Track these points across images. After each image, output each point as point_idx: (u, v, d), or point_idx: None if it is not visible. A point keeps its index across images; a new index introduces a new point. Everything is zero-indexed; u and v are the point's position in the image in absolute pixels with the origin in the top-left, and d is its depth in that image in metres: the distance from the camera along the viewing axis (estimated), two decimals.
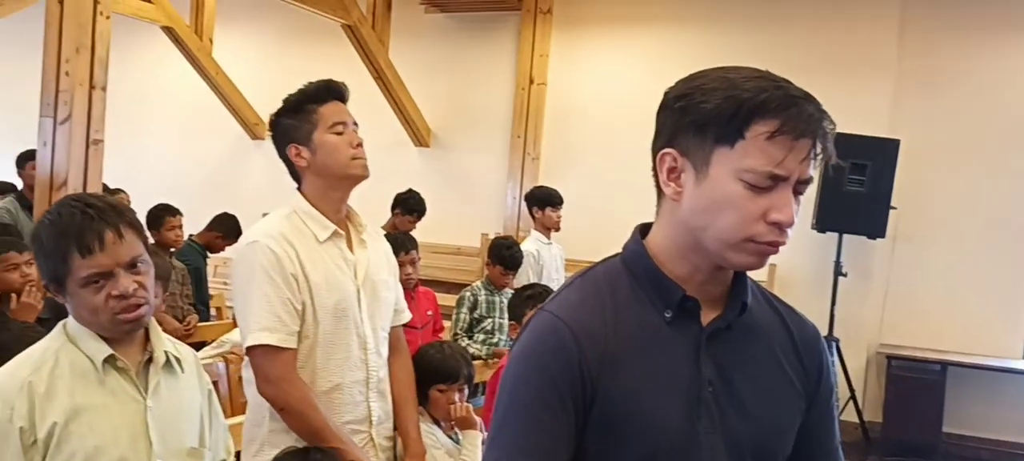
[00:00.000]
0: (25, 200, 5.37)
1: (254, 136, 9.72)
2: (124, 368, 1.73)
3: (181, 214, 5.52)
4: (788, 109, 1.17)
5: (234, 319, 5.24)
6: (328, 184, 2.28)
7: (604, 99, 8.38)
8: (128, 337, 1.75)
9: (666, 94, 1.30)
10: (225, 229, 5.95)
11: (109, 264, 1.67)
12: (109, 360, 1.71)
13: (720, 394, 1.25)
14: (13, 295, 3.60)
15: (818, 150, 1.19)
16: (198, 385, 1.90)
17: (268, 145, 8.45)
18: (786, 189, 1.18)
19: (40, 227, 1.71)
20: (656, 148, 1.29)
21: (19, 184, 5.96)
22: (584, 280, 1.32)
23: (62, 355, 1.70)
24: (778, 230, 1.19)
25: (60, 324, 1.76)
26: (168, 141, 9.87)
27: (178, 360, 1.83)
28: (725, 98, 1.18)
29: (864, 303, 7.20)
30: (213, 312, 6.21)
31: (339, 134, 2.25)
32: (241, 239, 2.34)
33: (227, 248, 6.19)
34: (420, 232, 6.02)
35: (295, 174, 2.33)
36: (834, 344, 6.59)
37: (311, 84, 2.31)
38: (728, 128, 1.18)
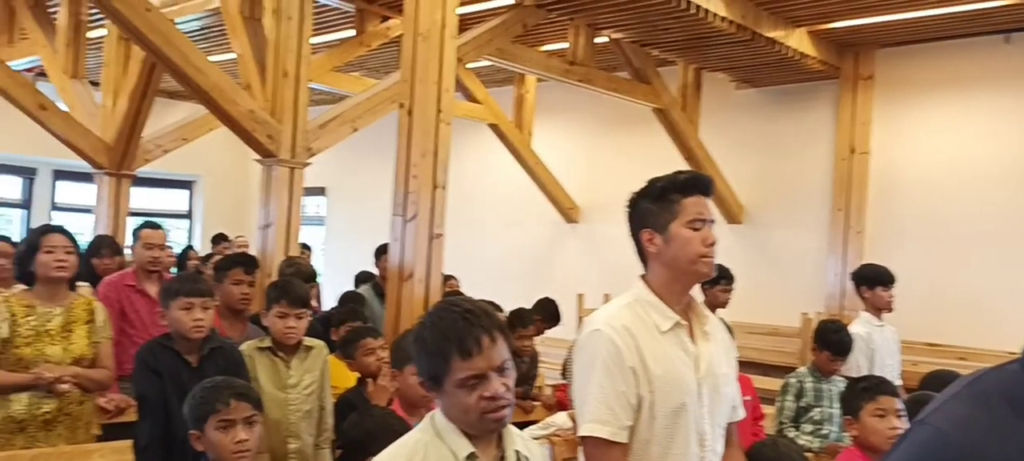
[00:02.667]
0: (379, 288, 6.01)
1: (569, 220, 10.15)
2: None
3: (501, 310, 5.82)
4: None
5: (557, 401, 5.43)
6: (673, 275, 2.26)
7: (935, 167, 7.71)
8: (488, 435, 1.85)
9: None
10: (545, 314, 6.20)
11: (484, 367, 1.77)
12: (470, 457, 1.81)
13: None
14: (369, 379, 4.01)
15: None
16: None
17: (582, 228, 8.77)
18: None
19: (423, 328, 1.85)
20: None
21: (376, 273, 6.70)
22: (973, 391, 1.12)
23: (431, 449, 1.82)
24: None
25: (428, 417, 1.90)
26: (492, 228, 10.59)
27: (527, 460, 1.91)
28: None
29: None
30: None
31: (695, 230, 2.23)
32: (585, 326, 2.39)
33: (546, 331, 6.45)
34: (734, 311, 5.87)
35: (643, 257, 2.35)
36: None
37: (680, 173, 2.30)
38: None
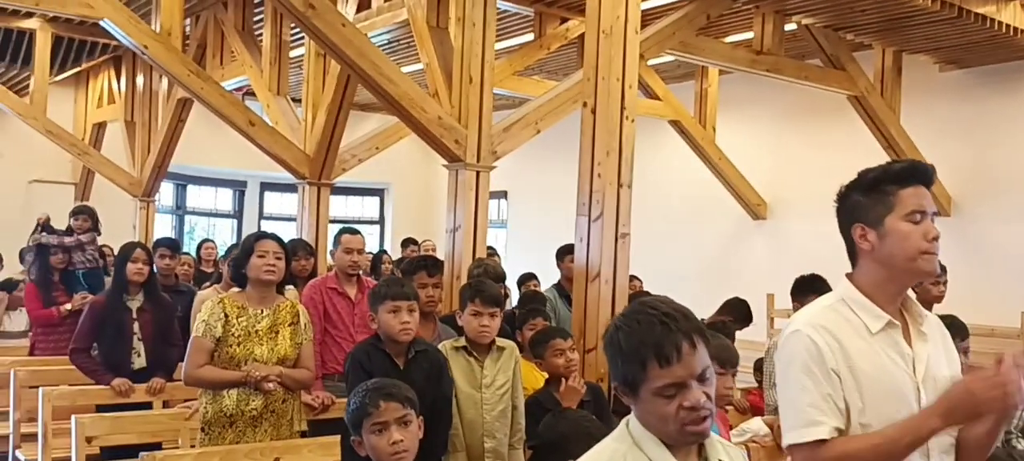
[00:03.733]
0: (563, 290, 6.01)
1: (756, 216, 9.78)
2: None
3: None
4: None
5: (750, 404, 5.23)
6: (888, 274, 2.07)
7: None
8: (688, 445, 1.76)
9: None
10: (736, 314, 5.96)
11: (684, 375, 1.67)
12: None
13: None
14: (562, 380, 4.00)
15: None
16: None
17: (770, 225, 8.40)
18: None
19: (616, 332, 1.77)
20: None
21: (555, 276, 6.71)
22: None
23: (630, 458, 1.74)
24: None
25: (623, 423, 1.82)
26: (673, 227, 10.37)
27: None
28: None
29: None
30: None
31: (915, 223, 2.03)
32: (785, 328, 2.27)
33: (738, 332, 6.22)
34: (945, 311, 5.43)
35: (853, 255, 2.19)
36: None
37: (895, 163, 2.13)
38: None
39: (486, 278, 4.69)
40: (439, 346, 3.64)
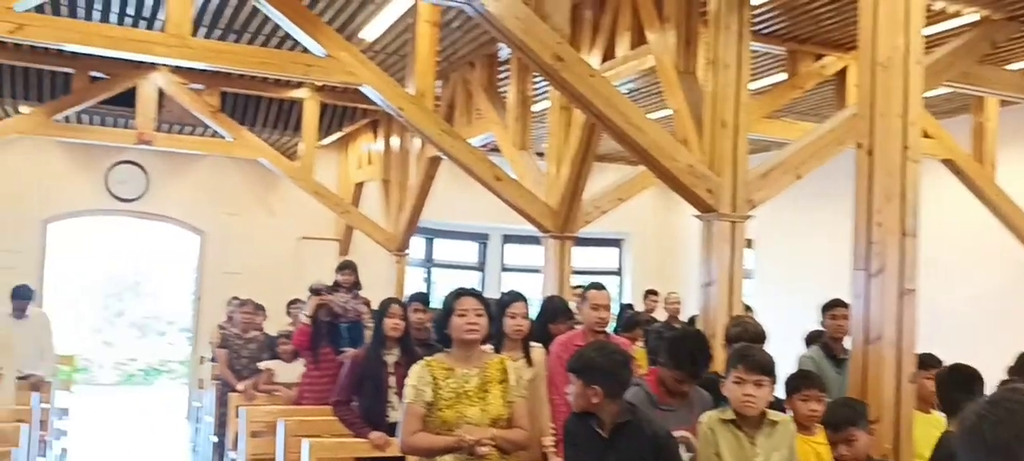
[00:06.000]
0: (830, 349, 5.48)
1: None
2: None
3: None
4: None
5: None
6: None
7: None
8: None
9: None
10: None
11: None
12: None
13: None
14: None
15: None
16: None
17: None
18: None
19: (980, 421, 1.51)
20: None
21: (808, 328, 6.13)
22: None
23: None
24: None
25: None
26: (947, 277, 9.29)
27: None
28: None
29: None
30: None
31: None
32: None
33: None
34: None
35: None
36: None
37: None
38: None
39: (746, 338, 4.34)
40: (703, 417, 3.36)
